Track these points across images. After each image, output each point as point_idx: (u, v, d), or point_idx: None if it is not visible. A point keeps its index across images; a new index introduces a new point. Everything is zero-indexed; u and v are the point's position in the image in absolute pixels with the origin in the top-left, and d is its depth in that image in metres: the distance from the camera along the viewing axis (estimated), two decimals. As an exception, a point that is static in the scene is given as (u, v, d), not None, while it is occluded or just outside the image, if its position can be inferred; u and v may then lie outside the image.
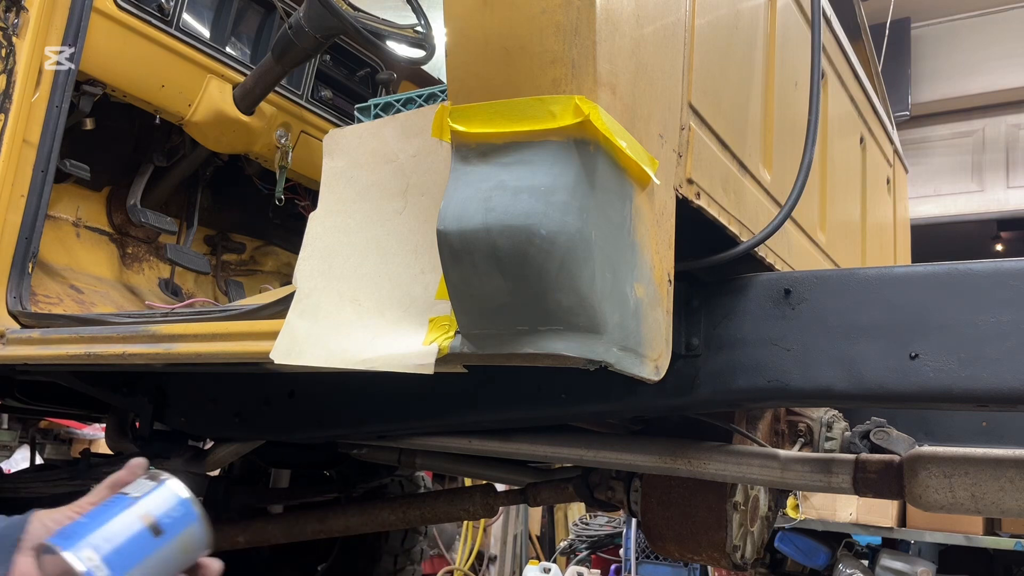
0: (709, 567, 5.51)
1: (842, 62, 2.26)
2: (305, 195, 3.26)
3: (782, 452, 1.69)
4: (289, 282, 3.06)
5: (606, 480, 2.11)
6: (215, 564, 1.06)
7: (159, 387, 2.22)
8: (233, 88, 2.76)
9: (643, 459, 1.76)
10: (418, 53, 2.74)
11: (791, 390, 1.36)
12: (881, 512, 4.75)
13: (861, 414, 2.01)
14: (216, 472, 2.80)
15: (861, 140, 2.52)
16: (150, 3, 2.52)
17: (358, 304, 1.39)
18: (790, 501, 2.29)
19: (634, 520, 5.00)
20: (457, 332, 1.18)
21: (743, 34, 1.62)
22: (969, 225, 7.20)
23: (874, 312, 1.31)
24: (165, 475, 1.04)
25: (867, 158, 2.57)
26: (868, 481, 1.61)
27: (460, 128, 1.10)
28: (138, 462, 1.06)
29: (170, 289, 2.97)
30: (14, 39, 2.12)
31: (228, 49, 2.79)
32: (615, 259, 1.11)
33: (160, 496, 1.01)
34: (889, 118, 2.92)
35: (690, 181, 1.34)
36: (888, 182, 2.88)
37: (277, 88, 2.83)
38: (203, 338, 1.66)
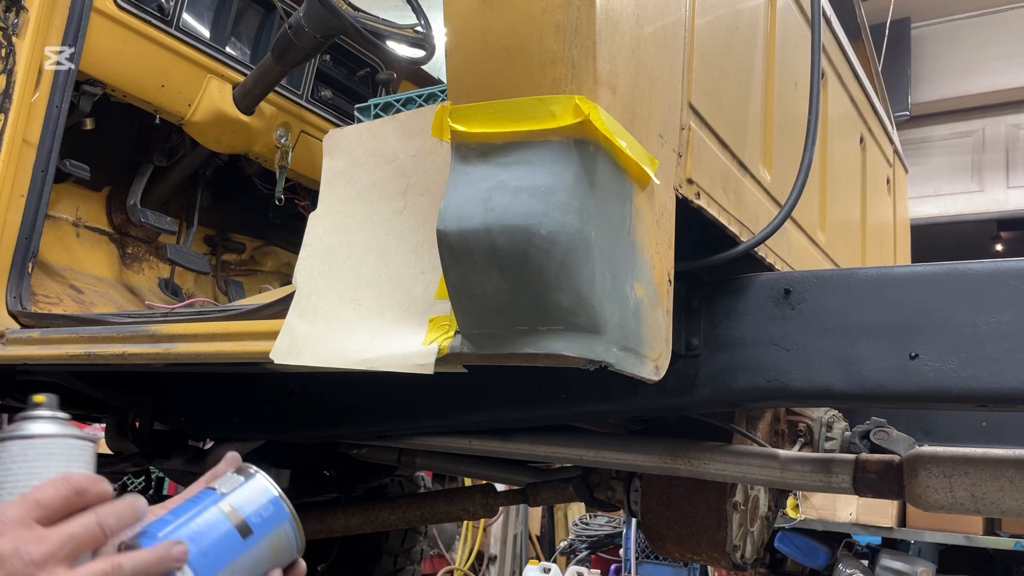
0: (709, 567, 5.51)
1: (842, 62, 2.26)
2: (305, 195, 3.26)
3: (782, 452, 1.70)
4: (289, 282, 3.06)
5: (606, 480, 2.11)
6: (300, 564, 0.99)
7: (159, 387, 2.22)
8: (233, 88, 2.76)
9: (643, 459, 1.76)
10: (418, 53, 2.74)
11: (791, 390, 1.36)
12: (881, 512, 4.75)
13: (861, 414, 2.01)
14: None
15: (861, 140, 2.52)
16: (150, 3, 2.52)
17: (358, 304, 1.39)
18: (790, 501, 2.29)
19: (634, 520, 5.00)
20: (457, 332, 1.18)
21: (743, 34, 1.62)
22: (969, 225, 7.20)
23: (874, 312, 1.31)
24: (254, 469, 0.97)
25: (867, 158, 2.57)
26: (868, 481, 1.61)
27: (460, 128, 1.10)
28: (233, 456, 0.99)
29: (170, 289, 2.97)
30: (14, 39, 2.12)
31: (228, 49, 2.79)
32: (615, 259, 1.11)
33: (249, 493, 0.94)
34: (889, 118, 2.92)
35: (690, 181, 1.34)
36: (888, 182, 2.88)
37: (277, 88, 2.83)
38: (203, 338, 1.66)
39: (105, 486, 0.84)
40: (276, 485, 0.95)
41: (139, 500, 0.87)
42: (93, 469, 0.95)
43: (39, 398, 0.95)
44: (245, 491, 0.93)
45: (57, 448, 0.91)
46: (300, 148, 3.04)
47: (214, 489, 0.94)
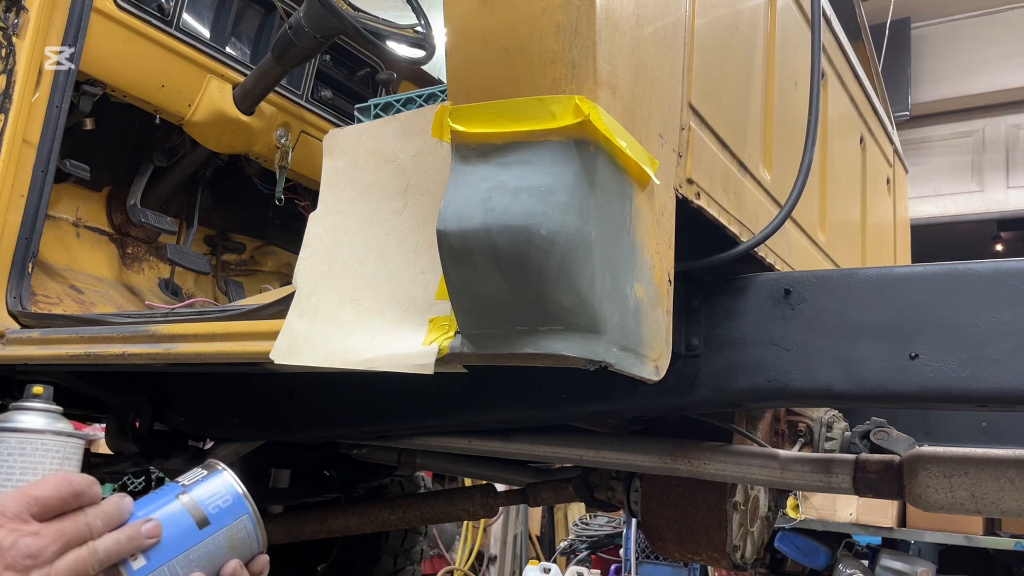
0: (709, 567, 5.51)
1: (842, 62, 2.26)
2: (305, 195, 3.26)
3: (782, 452, 1.69)
4: (289, 282, 3.06)
5: (606, 480, 2.11)
6: (262, 558, 1.02)
7: (159, 387, 2.22)
8: (233, 88, 2.76)
9: (643, 459, 1.76)
10: (418, 53, 2.74)
11: (791, 390, 1.36)
12: (881, 512, 4.76)
13: (861, 414, 2.01)
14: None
15: (861, 140, 2.53)
16: (150, 3, 2.52)
17: (358, 304, 1.39)
18: (790, 501, 2.29)
19: (634, 520, 5.00)
20: (457, 332, 1.18)
21: (743, 34, 1.62)
22: (969, 225, 7.21)
23: (874, 312, 1.31)
24: (220, 465, 1.00)
25: (867, 158, 2.57)
26: (868, 481, 1.61)
27: (460, 128, 1.10)
28: (210, 461, 1.04)
29: (170, 289, 2.97)
30: (14, 39, 2.12)
31: (228, 49, 2.79)
32: (615, 259, 1.11)
33: (210, 486, 0.97)
34: (889, 118, 2.92)
35: (690, 181, 1.34)
36: (888, 182, 2.88)
37: (277, 88, 2.83)
38: (203, 338, 1.66)
39: (97, 489, 0.91)
40: (238, 480, 0.98)
41: (124, 500, 0.92)
42: (81, 465, 1.00)
43: (38, 389, 1.00)
44: (207, 485, 0.97)
45: (53, 445, 0.96)
46: (300, 148, 3.04)
47: (177, 482, 0.97)
